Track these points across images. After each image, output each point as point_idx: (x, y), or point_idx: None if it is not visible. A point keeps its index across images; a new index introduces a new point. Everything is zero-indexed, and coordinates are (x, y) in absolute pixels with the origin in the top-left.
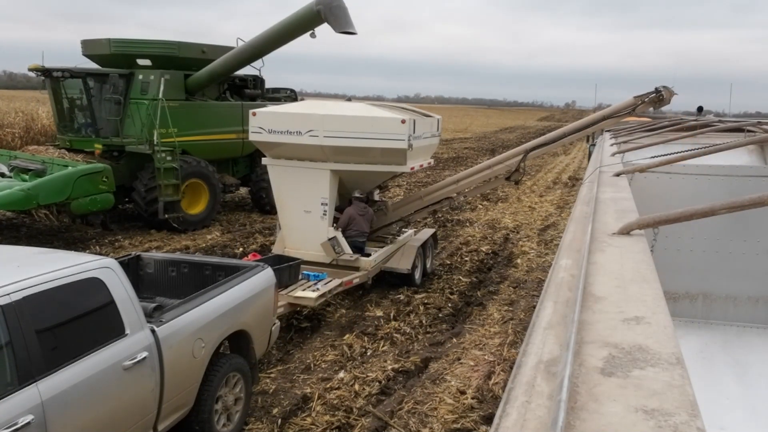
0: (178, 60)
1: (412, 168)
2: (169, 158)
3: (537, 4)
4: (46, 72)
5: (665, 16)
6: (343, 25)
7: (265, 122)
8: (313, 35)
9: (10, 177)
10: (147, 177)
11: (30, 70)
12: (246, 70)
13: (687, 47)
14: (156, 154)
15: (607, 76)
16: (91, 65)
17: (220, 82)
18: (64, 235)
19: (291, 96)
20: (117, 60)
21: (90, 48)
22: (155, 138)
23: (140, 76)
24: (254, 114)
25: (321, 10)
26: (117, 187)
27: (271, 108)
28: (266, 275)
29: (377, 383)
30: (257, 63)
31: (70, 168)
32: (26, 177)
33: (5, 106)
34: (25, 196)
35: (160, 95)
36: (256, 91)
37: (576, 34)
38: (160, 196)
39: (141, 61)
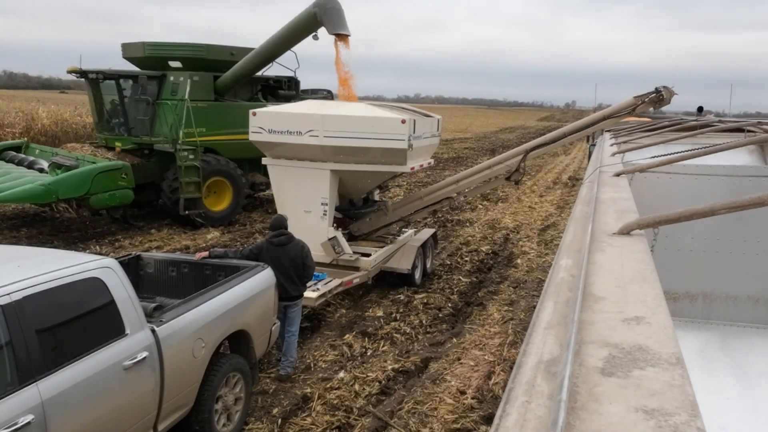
0: (207, 62)
1: (412, 168)
2: (191, 157)
3: (582, 5)
4: (83, 74)
5: (704, 18)
6: (335, 26)
7: (265, 122)
8: (315, 37)
9: (47, 172)
10: (173, 174)
11: (69, 72)
12: (281, 71)
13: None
14: (178, 152)
15: (628, 75)
16: (131, 67)
17: (253, 83)
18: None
19: (327, 97)
20: (151, 62)
21: (128, 51)
22: (180, 137)
23: (171, 78)
24: (254, 114)
25: (317, 13)
26: (148, 184)
27: (272, 108)
28: (266, 275)
29: (377, 383)
30: (292, 64)
31: (89, 164)
32: (59, 172)
33: (5, 106)
34: (45, 191)
35: (186, 96)
36: (291, 92)
37: (606, 35)
38: (181, 193)
39: (172, 63)
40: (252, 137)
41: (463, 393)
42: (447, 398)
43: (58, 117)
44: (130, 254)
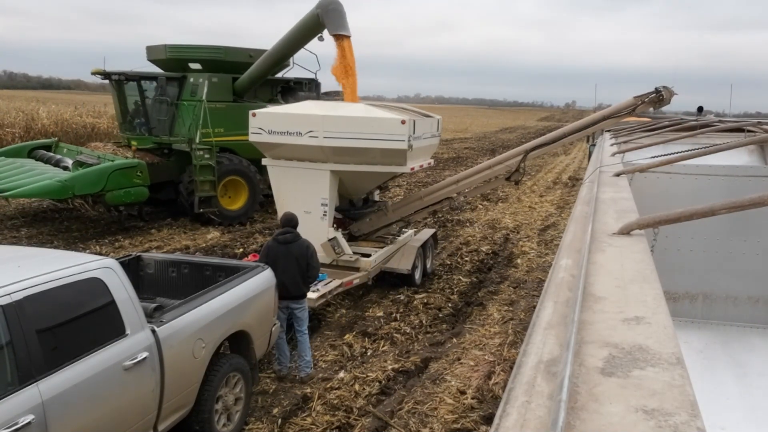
0: (226, 64)
1: (412, 168)
2: (206, 156)
3: (590, 6)
4: (107, 75)
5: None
6: (335, 27)
7: (264, 123)
8: (321, 39)
9: (70, 170)
10: (190, 173)
11: (93, 73)
12: (302, 73)
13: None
14: (194, 152)
15: (628, 75)
16: (156, 69)
17: (273, 84)
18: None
19: None
20: (172, 64)
21: (152, 53)
22: (197, 137)
23: (191, 79)
24: (254, 115)
25: (319, 14)
26: (168, 182)
27: (271, 108)
28: (266, 276)
29: (377, 383)
30: (314, 66)
31: (106, 162)
32: (81, 169)
33: (5, 106)
34: (61, 187)
35: (203, 97)
36: (311, 94)
37: (609, 36)
38: (196, 191)
39: (192, 65)
40: (252, 138)
41: (463, 393)
42: (447, 398)
43: (58, 117)
44: (131, 255)
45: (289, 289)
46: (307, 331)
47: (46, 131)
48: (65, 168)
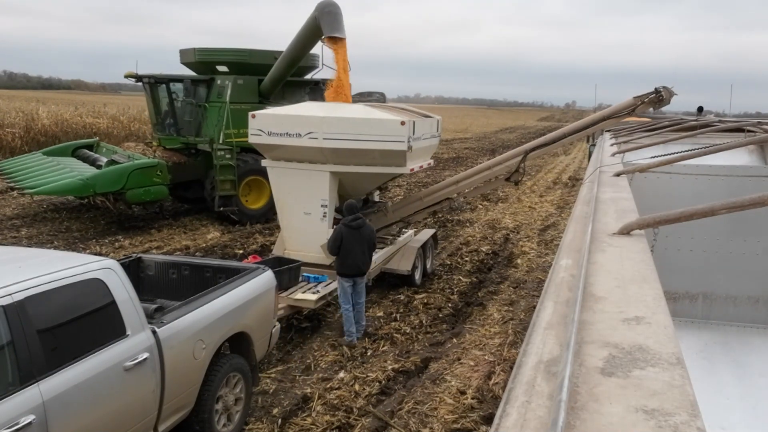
0: (251, 66)
1: (412, 169)
2: (227, 156)
3: (624, 7)
4: (138, 78)
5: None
6: (329, 29)
7: (264, 124)
8: (323, 41)
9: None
10: (212, 173)
11: (126, 77)
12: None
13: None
14: (215, 152)
15: (628, 75)
16: (189, 72)
17: (301, 85)
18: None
19: (380, 99)
20: (201, 67)
21: (184, 57)
22: (220, 137)
23: (218, 81)
24: (253, 116)
25: (317, 16)
26: (195, 181)
27: (271, 110)
28: (267, 277)
29: (377, 383)
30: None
31: (126, 162)
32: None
33: (5, 106)
34: (83, 185)
35: (227, 99)
36: None
37: (609, 37)
38: (216, 190)
39: (220, 68)
40: (252, 140)
41: (463, 393)
42: (447, 398)
43: (58, 117)
44: (131, 256)
45: (360, 267)
46: (364, 302)
47: (46, 131)
48: (99, 167)
